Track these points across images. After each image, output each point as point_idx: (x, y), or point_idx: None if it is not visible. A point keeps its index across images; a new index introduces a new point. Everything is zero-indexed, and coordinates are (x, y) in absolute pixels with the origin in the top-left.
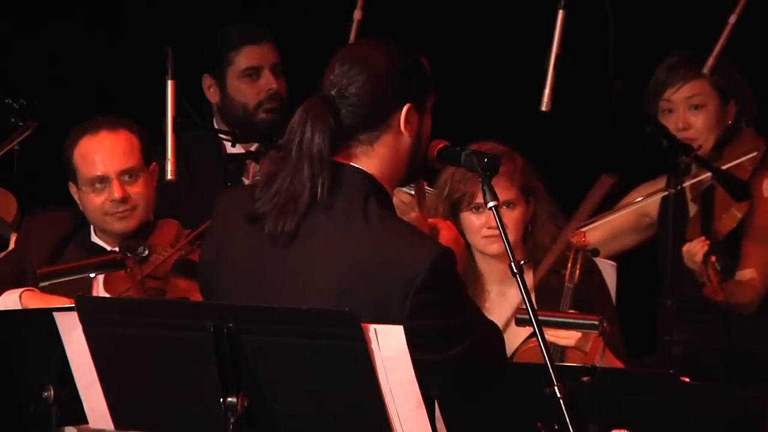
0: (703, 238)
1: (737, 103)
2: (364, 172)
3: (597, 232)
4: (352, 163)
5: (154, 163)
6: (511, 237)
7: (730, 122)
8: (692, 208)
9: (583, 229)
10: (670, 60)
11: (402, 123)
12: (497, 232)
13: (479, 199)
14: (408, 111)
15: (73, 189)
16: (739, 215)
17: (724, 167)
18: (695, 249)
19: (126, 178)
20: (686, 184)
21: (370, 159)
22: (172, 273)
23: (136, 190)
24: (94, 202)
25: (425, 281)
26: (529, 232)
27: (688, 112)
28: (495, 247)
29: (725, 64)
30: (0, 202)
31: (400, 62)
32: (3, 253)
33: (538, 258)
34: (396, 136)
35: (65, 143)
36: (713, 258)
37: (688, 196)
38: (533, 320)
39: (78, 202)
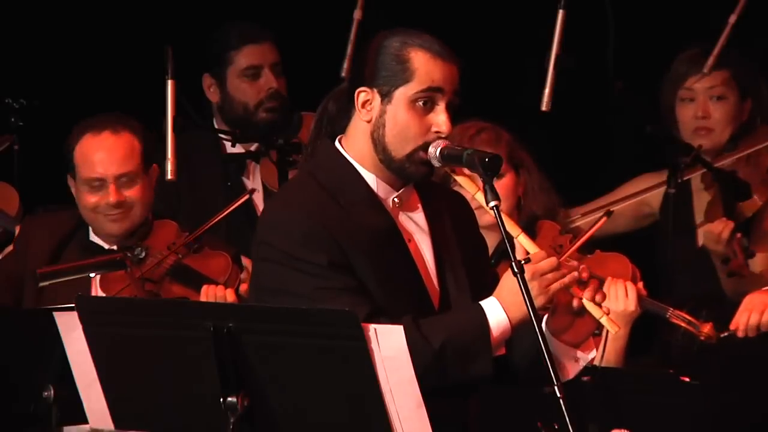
0: (724, 219)
1: (753, 101)
2: (333, 148)
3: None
4: (338, 140)
5: (155, 165)
6: (503, 206)
7: (744, 118)
8: (703, 196)
9: (583, 210)
10: (691, 51)
11: (357, 106)
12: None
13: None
14: (360, 94)
15: (71, 182)
16: (759, 202)
17: (743, 153)
18: (718, 229)
19: (123, 180)
20: (693, 175)
21: (346, 138)
22: (167, 277)
23: (132, 194)
24: (87, 200)
25: (259, 236)
26: (521, 204)
27: (709, 102)
28: (486, 218)
29: (747, 61)
30: (2, 197)
31: (371, 47)
32: (2, 254)
33: (531, 231)
34: (358, 118)
35: (69, 137)
36: (739, 235)
37: (696, 186)
38: (533, 318)
39: (74, 194)
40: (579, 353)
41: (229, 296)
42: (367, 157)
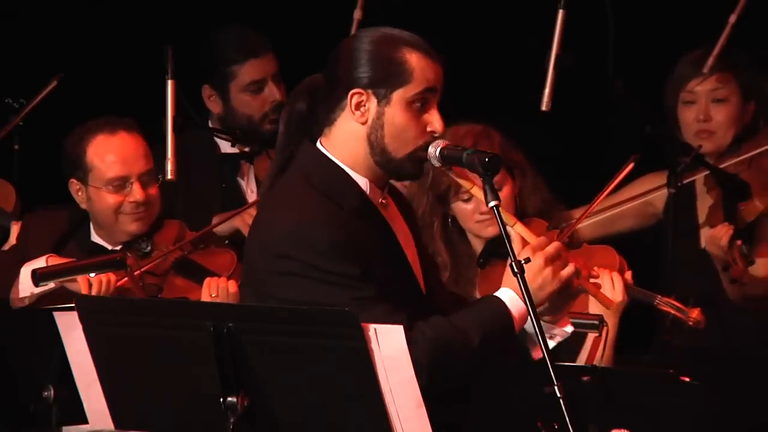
0: (726, 223)
1: (757, 103)
2: (319, 152)
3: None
4: (319, 142)
5: None
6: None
7: (748, 120)
8: (707, 198)
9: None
10: (694, 53)
11: (350, 108)
12: (490, 215)
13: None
14: (354, 96)
15: (75, 186)
16: (760, 206)
17: (745, 156)
18: (719, 234)
19: (145, 179)
20: (698, 176)
21: (329, 140)
22: (171, 271)
23: (153, 192)
24: (108, 201)
25: (276, 249)
26: (516, 205)
27: (711, 104)
28: (490, 230)
29: (752, 63)
30: None
31: (363, 47)
32: (4, 247)
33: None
34: (348, 120)
35: (72, 140)
36: (739, 242)
37: (701, 187)
38: (533, 318)
39: (79, 199)
40: (557, 329)
41: (231, 287)
42: (360, 159)
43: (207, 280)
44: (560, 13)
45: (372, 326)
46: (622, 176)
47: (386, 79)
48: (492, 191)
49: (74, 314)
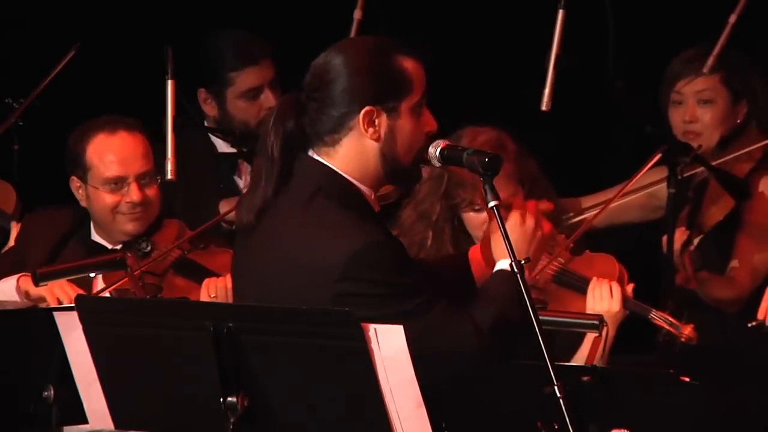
0: (683, 228)
1: (749, 104)
2: (323, 165)
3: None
4: (317, 156)
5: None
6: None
7: (738, 121)
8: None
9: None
10: (687, 52)
11: (362, 126)
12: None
13: (479, 203)
14: (367, 114)
15: (75, 183)
16: (724, 210)
17: (721, 160)
18: (675, 237)
19: (143, 180)
20: (691, 172)
21: (332, 158)
22: (170, 271)
23: (151, 192)
24: (105, 200)
25: (344, 273)
26: None
27: (697, 105)
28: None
29: (743, 63)
30: None
31: (363, 63)
32: (4, 249)
33: None
34: (359, 138)
35: (74, 138)
36: (691, 247)
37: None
38: (533, 319)
39: (79, 196)
40: None
41: (230, 282)
42: (369, 172)
43: (205, 281)
44: (560, 13)
45: (372, 326)
46: (647, 167)
47: (392, 91)
48: (492, 191)
49: (74, 314)
